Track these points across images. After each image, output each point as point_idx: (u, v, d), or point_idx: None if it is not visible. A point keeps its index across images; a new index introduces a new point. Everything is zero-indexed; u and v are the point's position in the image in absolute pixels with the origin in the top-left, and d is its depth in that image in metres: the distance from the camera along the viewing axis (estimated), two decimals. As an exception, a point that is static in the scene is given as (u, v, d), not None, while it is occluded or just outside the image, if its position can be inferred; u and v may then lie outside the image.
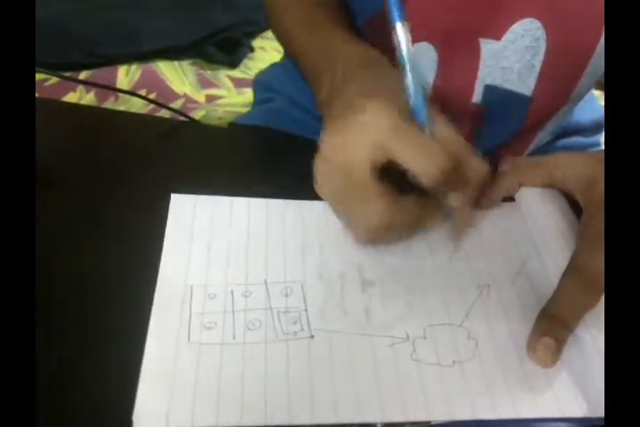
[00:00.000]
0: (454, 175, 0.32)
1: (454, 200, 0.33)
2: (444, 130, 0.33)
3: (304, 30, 0.46)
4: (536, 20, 0.44)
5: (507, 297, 0.34)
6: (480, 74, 0.47)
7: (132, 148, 0.39)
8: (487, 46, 0.46)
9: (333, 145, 0.33)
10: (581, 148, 0.60)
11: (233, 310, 0.32)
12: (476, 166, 0.34)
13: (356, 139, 0.31)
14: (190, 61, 1.61)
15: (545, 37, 0.44)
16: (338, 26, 0.45)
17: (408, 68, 0.32)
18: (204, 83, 1.55)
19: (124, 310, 0.32)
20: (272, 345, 0.31)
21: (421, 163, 0.31)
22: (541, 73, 0.46)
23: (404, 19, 0.31)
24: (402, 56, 0.32)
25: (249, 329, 0.31)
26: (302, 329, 0.31)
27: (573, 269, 0.32)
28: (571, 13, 0.43)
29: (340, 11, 0.48)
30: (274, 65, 0.65)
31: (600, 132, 0.63)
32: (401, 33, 0.32)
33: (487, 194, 0.40)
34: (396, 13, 0.31)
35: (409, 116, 0.32)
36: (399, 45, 0.32)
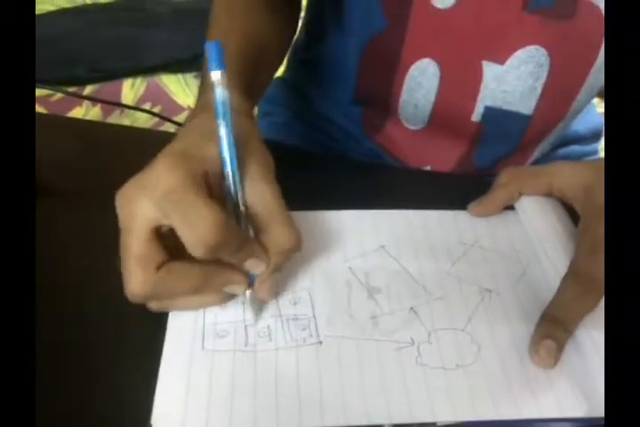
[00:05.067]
0: (232, 248, 0.30)
1: (251, 267, 0.31)
2: (259, 192, 0.31)
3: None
4: (541, 48, 0.44)
5: (508, 302, 0.35)
6: (481, 95, 0.48)
7: (139, 163, 0.39)
8: (490, 69, 0.46)
9: (123, 196, 0.30)
10: (580, 156, 0.61)
11: (244, 319, 0.33)
12: (280, 238, 0.31)
13: (138, 195, 0.29)
14: (193, 74, 1.63)
15: (549, 63, 0.45)
16: (247, 60, 0.41)
17: (220, 120, 0.30)
18: (208, 95, 1.57)
19: (139, 323, 0.33)
20: (282, 351, 0.32)
21: (186, 234, 0.28)
22: (542, 94, 0.47)
23: (222, 68, 0.30)
24: (216, 107, 0.30)
25: (260, 336, 0.32)
26: (311, 335, 0.33)
27: (572, 274, 0.33)
28: (574, 37, 0.44)
29: (272, 39, 0.47)
30: (275, 79, 0.66)
31: (598, 140, 0.64)
32: (217, 82, 0.30)
33: (489, 202, 0.41)
34: (214, 60, 0.30)
35: (214, 174, 0.31)
36: (214, 95, 0.30)
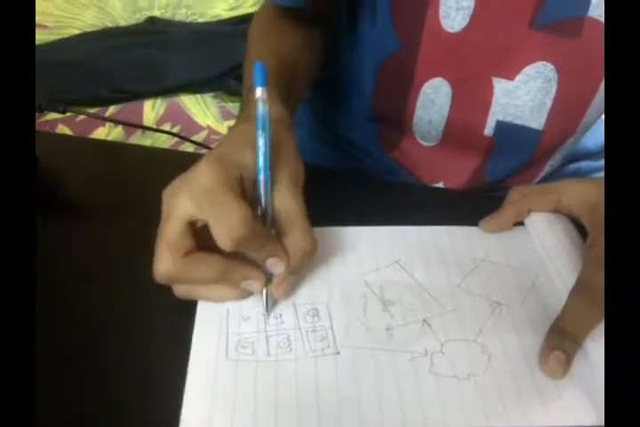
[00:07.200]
0: (257, 244, 0.33)
1: (271, 266, 0.34)
2: (285, 199, 0.34)
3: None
4: (549, 64, 0.46)
5: (517, 314, 0.36)
6: (492, 110, 0.50)
7: (159, 181, 0.41)
8: (500, 85, 0.48)
9: (168, 191, 0.33)
10: (590, 171, 0.62)
11: (266, 330, 0.35)
12: (298, 241, 0.34)
13: (178, 191, 0.33)
14: (212, 95, 1.67)
15: (557, 78, 0.47)
16: (282, 77, 0.46)
17: (260, 132, 0.33)
18: (226, 115, 1.61)
19: (166, 334, 0.35)
20: (302, 361, 0.33)
21: (217, 227, 0.31)
22: (552, 109, 0.49)
23: (265, 84, 0.33)
24: (257, 120, 0.33)
25: (280, 347, 0.34)
26: (329, 346, 0.34)
27: (580, 288, 0.34)
28: (582, 54, 0.45)
29: (302, 67, 0.50)
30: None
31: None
32: (259, 97, 0.33)
33: (499, 219, 0.42)
34: (259, 78, 0.33)
35: (248, 179, 0.34)
36: (257, 109, 0.33)
